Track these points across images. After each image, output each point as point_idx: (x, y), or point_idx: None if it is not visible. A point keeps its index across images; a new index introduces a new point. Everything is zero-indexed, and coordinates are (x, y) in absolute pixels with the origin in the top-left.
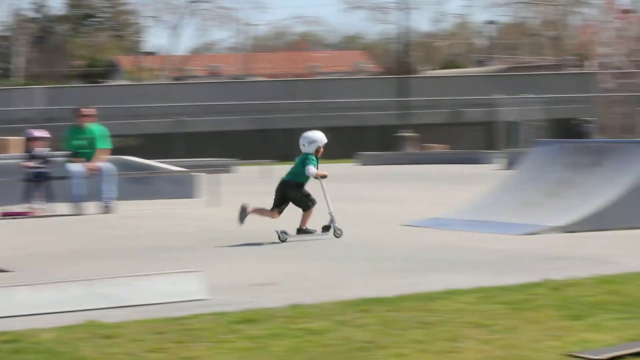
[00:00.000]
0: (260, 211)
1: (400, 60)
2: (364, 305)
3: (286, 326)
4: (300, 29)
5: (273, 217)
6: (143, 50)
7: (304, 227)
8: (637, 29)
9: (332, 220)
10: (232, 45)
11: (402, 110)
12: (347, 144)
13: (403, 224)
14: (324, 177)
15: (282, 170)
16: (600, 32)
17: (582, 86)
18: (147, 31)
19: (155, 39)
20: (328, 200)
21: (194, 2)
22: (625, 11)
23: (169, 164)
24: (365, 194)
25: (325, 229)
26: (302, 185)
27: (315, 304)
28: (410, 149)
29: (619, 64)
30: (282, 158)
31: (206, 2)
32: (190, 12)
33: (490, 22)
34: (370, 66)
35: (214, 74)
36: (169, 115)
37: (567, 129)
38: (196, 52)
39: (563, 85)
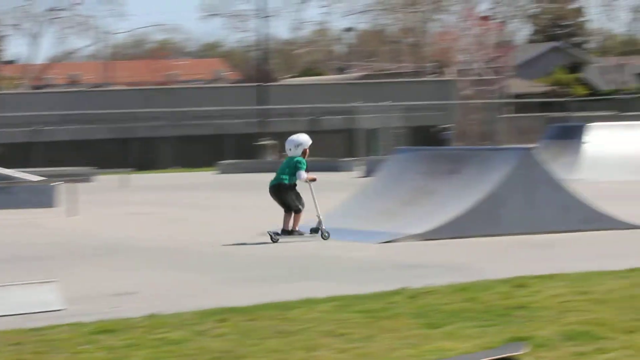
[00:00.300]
0: (288, 222)
1: (260, 68)
2: (222, 314)
3: (144, 336)
4: (159, 36)
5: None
6: (2, 59)
7: (295, 229)
8: (495, 36)
9: (319, 223)
10: (92, 54)
11: (261, 119)
12: (207, 152)
13: (262, 233)
14: (314, 180)
15: (140, 178)
16: (458, 39)
17: (441, 93)
18: (6, 40)
19: (14, 48)
20: (317, 203)
21: (53, 10)
22: (484, 18)
23: (27, 174)
24: (224, 203)
25: (314, 230)
26: (294, 186)
27: (173, 314)
28: (270, 157)
29: (477, 71)
30: (142, 167)
31: (65, 10)
32: (50, 21)
33: (349, 30)
34: (230, 74)
35: (73, 82)
36: (27, 124)
37: (426, 136)
38: (56, 61)
39: (422, 92)
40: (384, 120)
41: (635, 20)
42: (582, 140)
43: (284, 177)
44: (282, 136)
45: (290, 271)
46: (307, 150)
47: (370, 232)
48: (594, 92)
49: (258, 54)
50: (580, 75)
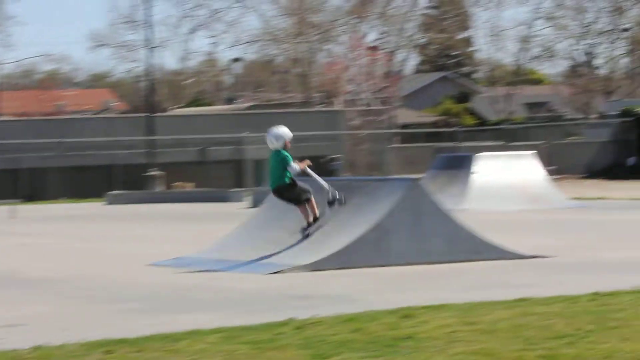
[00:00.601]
0: (307, 215)
1: (148, 98)
2: (108, 346)
3: None
4: (47, 67)
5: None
6: None
7: (316, 216)
8: (383, 66)
9: (330, 192)
10: None
11: (150, 149)
12: (96, 183)
13: (150, 264)
14: (309, 166)
15: (29, 209)
16: (346, 69)
17: (329, 123)
18: None
19: None
20: (318, 178)
21: None
22: (372, 48)
23: None
24: (111, 234)
25: (331, 204)
26: (292, 184)
27: (60, 345)
28: (158, 188)
29: (365, 101)
30: (31, 197)
31: None
32: None
33: (237, 60)
34: (118, 104)
35: None
36: None
37: (316, 167)
38: None
39: (311, 122)
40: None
41: (523, 50)
42: (471, 170)
43: (279, 179)
44: (171, 167)
45: (177, 302)
46: (289, 143)
47: (258, 263)
48: (482, 121)
49: (146, 84)
50: (469, 105)
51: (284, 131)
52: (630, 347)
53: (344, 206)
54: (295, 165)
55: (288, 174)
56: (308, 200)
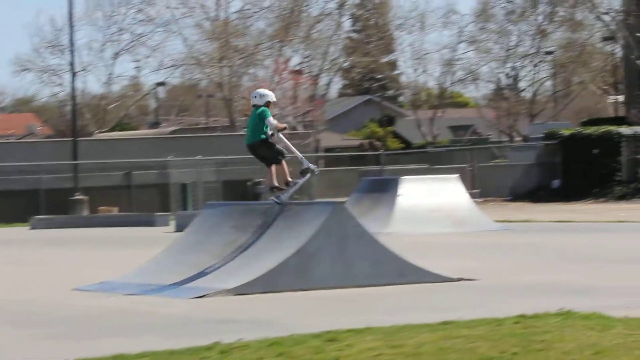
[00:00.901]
0: (271, 177)
1: (73, 122)
2: None
3: None
4: None
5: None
6: None
7: (289, 180)
8: (308, 90)
9: (303, 162)
10: None
11: (74, 173)
12: (20, 207)
13: (74, 288)
14: (284, 129)
15: None
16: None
17: None
18: None
19: None
20: (291, 146)
21: None
22: (296, 72)
23: None
24: (36, 258)
25: (304, 172)
26: (266, 141)
27: None
28: (83, 212)
29: (290, 125)
30: None
31: None
32: None
33: (161, 84)
34: (43, 129)
35: None
36: None
37: (242, 191)
38: None
39: (235, 146)
40: (196, 174)
41: (447, 73)
42: (396, 193)
43: (255, 134)
44: (96, 191)
45: (102, 326)
46: (271, 105)
47: (182, 287)
48: (407, 145)
49: (71, 108)
50: (393, 128)
51: (267, 92)
52: None
53: (316, 176)
54: (272, 120)
55: (265, 128)
56: (279, 162)
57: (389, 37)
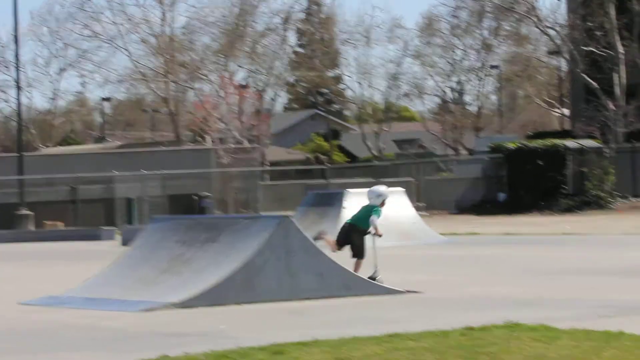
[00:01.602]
0: (328, 241)
1: (18, 137)
2: None
3: None
4: None
5: (334, 250)
6: None
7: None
8: (253, 105)
9: (376, 272)
10: None
11: (20, 188)
12: None
13: (20, 303)
14: (380, 236)
15: None
16: (216, 108)
17: (200, 161)
18: None
19: None
20: (376, 254)
21: None
22: (241, 87)
23: None
24: None
25: (371, 279)
26: (365, 232)
27: None
28: (28, 227)
29: (235, 140)
30: None
31: None
32: None
33: (106, 99)
34: None
35: None
36: None
37: (187, 205)
38: None
39: (181, 160)
40: (142, 189)
41: (392, 87)
42: (341, 206)
43: (360, 221)
44: (42, 205)
45: (47, 341)
46: (385, 202)
47: (128, 301)
48: (352, 159)
49: (17, 123)
50: (339, 142)
51: (384, 190)
52: None
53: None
54: (376, 219)
55: (367, 224)
56: (362, 257)
57: (334, 51)
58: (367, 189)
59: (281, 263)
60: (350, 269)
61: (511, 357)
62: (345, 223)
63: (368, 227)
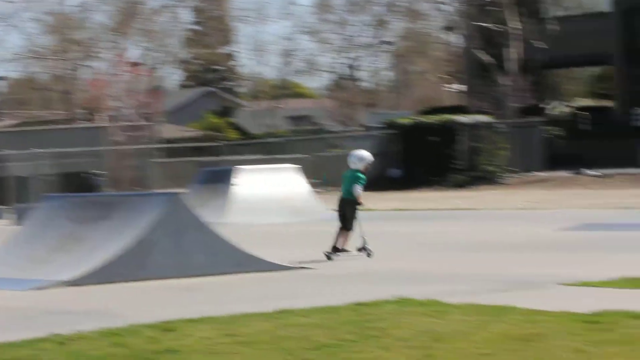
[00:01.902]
0: (342, 241)
1: None
2: None
3: None
4: None
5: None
6: None
7: (344, 247)
8: (146, 82)
9: (365, 242)
10: None
11: None
12: None
13: None
14: (360, 204)
15: None
16: (109, 85)
17: (93, 139)
18: None
19: None
20: (361, 224)
21: None
22: (135, 64)
23: None
24: None
25: (360, 250)
26: (357, 202)
27: None
28: None
29: (128, 117)
30: None
31: None
32: None
33: (1, 78)
34: None
35: None
36: None
37: (79, 183)
38: None
39: (74, 138)
40: (34, 167)
41: (286, 64)
42: (231, 183)
43: (349, 192)
44: None
45: None
46: (368, 166)
47: (18, 280)
48: (246, 136)
49: None
50: (232, 119)
51: (366, 155)
52: (390, 356)
53: (370, 257)
54: (359, 190)
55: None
56: (351, 229)
57: (227, 28)
58: (351, 153)
59: (172, 240)
60: (240, 247)
61: (401, 332)
62: (342, 197)
63: (353, 196)
